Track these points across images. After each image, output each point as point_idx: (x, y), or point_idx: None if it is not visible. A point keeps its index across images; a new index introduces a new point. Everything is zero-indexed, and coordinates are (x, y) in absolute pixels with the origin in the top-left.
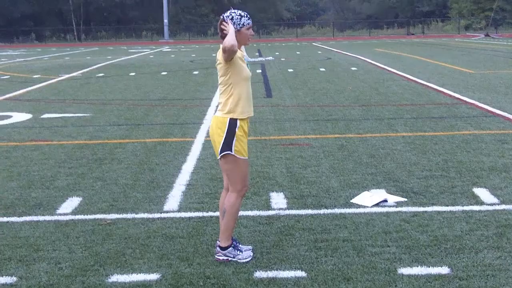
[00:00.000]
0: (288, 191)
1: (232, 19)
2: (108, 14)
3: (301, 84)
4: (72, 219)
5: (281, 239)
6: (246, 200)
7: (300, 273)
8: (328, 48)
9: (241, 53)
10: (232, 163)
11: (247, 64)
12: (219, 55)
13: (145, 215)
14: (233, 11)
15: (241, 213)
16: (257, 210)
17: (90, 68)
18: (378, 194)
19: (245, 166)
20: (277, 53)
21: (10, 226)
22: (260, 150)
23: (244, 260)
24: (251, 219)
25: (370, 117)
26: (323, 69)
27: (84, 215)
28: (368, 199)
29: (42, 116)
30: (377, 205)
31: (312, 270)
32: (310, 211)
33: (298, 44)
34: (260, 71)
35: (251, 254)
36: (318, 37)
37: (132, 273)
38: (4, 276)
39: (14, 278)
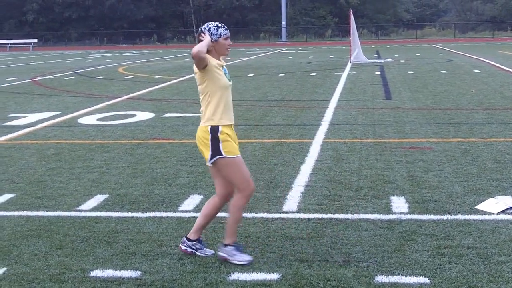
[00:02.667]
0: (409, 195)
1: (209, 30)
2: (227, 17)
3: (422, 86)
4: (194, 216)
5: (403, 244)
6: (366, 203)
7: (423, 280)
8: (449, 50)
9: (219, 62)
10: (226, 166)
11: (225, 73)
12: (194, 65)
13: (265, 215)
14: (210, 23)
15: (361, 216)
16: (377, 213)
17: None
18: (504, 201)
19: (240, 163)
20: (396, 55)
21: (135, 221)
22: (380, 153)
23: (239, 262)
24: (372, 223)
25: (494, 121)
26: (444, 71)
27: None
28: (494, 206)
29: (164, 115)
30: (503, 212)
31: (436, 277)
32: (432, 217)
33: (417, 45)
34: (379, 73)
35: (249, 259)
36: (439, 38)
37: (252, 272)
38: (129, 270)
39: (139, 272)
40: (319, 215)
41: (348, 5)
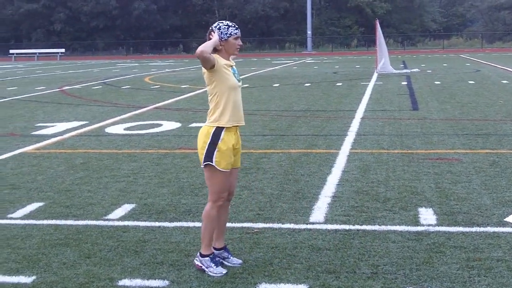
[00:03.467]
0: (437, 207)
1: (219, 29)
2: (253, 26)
3: (449, 97)
4: None
5: (431, 256)
6: (394, 215)
7: None
8: (477, 60)
9: (228, 63)
10: (211, 173)
11: (234, 73)
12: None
13: (291, 226)
14: (221, 21)
15: (388, 227)
16: (405, 225)
17: None
18: None
19: (223, 178)
20: (423, 65)
21: (162, 231)
22: (407, 164)
23: (213, 274)
24: (399, 234)
25: None
26: (471, 82)
27: (231, 223)
28: None
29: (190, 125)
30: None
31: None
32: (461, 229)
33: (444, 55)
34: (405, 83)
35: (223, 272)
36: (466, 48)
37: (280, 283)
38: (157, 280)
39: (167, 282)
40: (346, 226)
41: (374, 14)
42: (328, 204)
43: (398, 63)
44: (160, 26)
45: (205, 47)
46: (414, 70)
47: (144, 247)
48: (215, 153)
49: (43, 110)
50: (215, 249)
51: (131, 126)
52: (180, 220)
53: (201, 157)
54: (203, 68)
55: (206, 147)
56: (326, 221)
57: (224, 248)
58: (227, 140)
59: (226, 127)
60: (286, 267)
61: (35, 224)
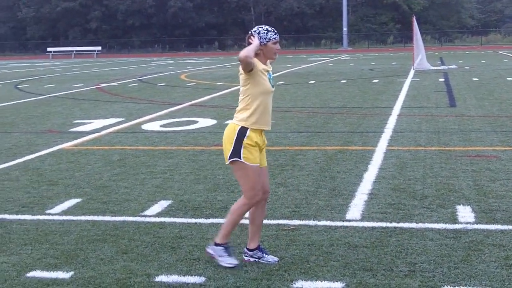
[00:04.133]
0: (475, 205)
1: (259, 33)
2: (288, 23)
3: (487, 93)
4: None
5: (469, 254)
6: (431, 212)
7: None
8: None
9: (265, 67)
10: (241, 170)
11: (269, 78)
12: (240, 66)
13: (328, 223)
14: (260, 26)
15: (426, 225)
16: (443, 223)
17: None
18: None
19: (255, 173)
20: (461, 62)
21: (198, 227)
22: (445, 161)
23: (225, 264)
24: (437, 232)
25: None
26: (510, 78)
27: (268, 219)
28: None
29: (226, 122)
30: None
31: None
32: (500, 227)
33: (482, 52)
34: (443, 80)
35: (234, 262)
36: (504, 45)
37: (316, 280)
38: (193, 276)
39: (203, 278)
40: (383, 224)
41: (411, 11)
42: (365, 201)
43: (435, 60)
44: (195, 24)
45: (248, 52)
46: (452, 66)
47: (181, 243)
48: (242, 149)
49: (80, 107)
50: (248, 250)
51: (167, 123)
52: (216, 217)
53: (227, 153)
54: (240, 69)
55: (233, 143)
56: (362, 219)
57: (258, 248)
58: (253, 137)
59: (252, 128)
60: (322, 265)
61: (73, 220)
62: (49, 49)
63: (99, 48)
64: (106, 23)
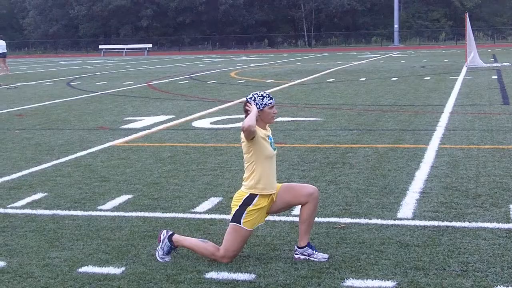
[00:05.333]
0: None
1: (254, 100)
2: (338, 20)
3: None
4: None
5: None
6: (484, 211)
7: None
8: None
9: (265, 132)
10: (235, 233)
11: (271, 143)
12: (242, 134)
13: (379, 221)
14: (255, 92)
15: (479, 224)
16: (496, 222)
17: (320, 74)
18: None
19: (246, 237)
20: None
21: None
22: (498, 159)
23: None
24: (490, 231)
25: None
26: None
27: (318, 217)
28: None
29: (275, 120)
30: None
31: None
32: None
33: None
34: (496, 77)
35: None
36: None
37: (367, 279)
38: (243, 273)
39: (253, 275)
40: (435, 223)
41: (463, 7)
42: (416, 200)
43: (488, 57)
44: (245, 21)
45: (251, 121)
46: (505, 64)
47: None
48: (244, 215)
49: (131, 104)
50: (299, 247)
51: (217, 120)
52: None
53: (232, 214)
54: (241, 137)
55: (237, 208)
56: (414, 217)
57: (308, 245)
58: (259, 204)
59: (261, 194)
60: (373, 263)
61: (124, 216)
62: (100, 46)
63: (150, 45)
64: (157, 21)
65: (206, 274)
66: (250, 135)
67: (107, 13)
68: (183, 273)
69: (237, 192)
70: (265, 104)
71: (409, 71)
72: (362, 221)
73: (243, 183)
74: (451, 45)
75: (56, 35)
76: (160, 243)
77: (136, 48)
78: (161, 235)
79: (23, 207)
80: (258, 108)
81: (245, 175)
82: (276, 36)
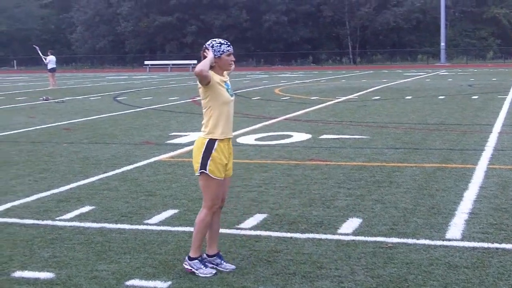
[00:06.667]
0: None
1: (212, 46)
2: (384, 38)
3: None
4: (353, 240)
5: None
6: None
7: None
8: None
9: (222, 78)
10: (205, 181)
11: (227, 89)
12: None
13: (427, 242)
14: (214, 39)
15: None
16: None
17: (366, 91)
18: None
19: (217, 185)
20: None
21: (294, 242)
22: None
23: (203, 275)
24: None
25: None
26: None
27: (364, 236)
28: None
29: (320, 137)
30: None
31: None
32: None
33: None
34: None
35: (212, 272)
36: None
37: None
38: None
39: None
40: (485, 244)
41: (511, 26)
42: (465, 220)
43: None
44: (290, 38)
45: (203, 66)
46: None
47: (277, 257)
48: (208, 162)
49: (177, 120)
50: (208, 256)
51: (262, 137)
52: (311, 232)
53: (196, 165)
54: (198, 83)
55: (201, 156)
56: (463, 238)
57: (217, 255)
58: (220, 151)
59: (219, 139)
60: (421, 284)
61: (170, 231)
62: (146, 62)
63: (195, 61)
64: (202, 37)
65: None
66: (204, 80)
67: (153, 30)
68: None
69: (196, 139)
70: (223, 51)
71: (456, 89)
72: (410, 241)
73: (201, 129)
74: (499, 64)
75: (102, 50)
76: (194, 269)
77: (181, 64)
78: (186, 266)
79: (71, 219)
80: (215, 55)
81: (203, 121)
82: (320, 53)
